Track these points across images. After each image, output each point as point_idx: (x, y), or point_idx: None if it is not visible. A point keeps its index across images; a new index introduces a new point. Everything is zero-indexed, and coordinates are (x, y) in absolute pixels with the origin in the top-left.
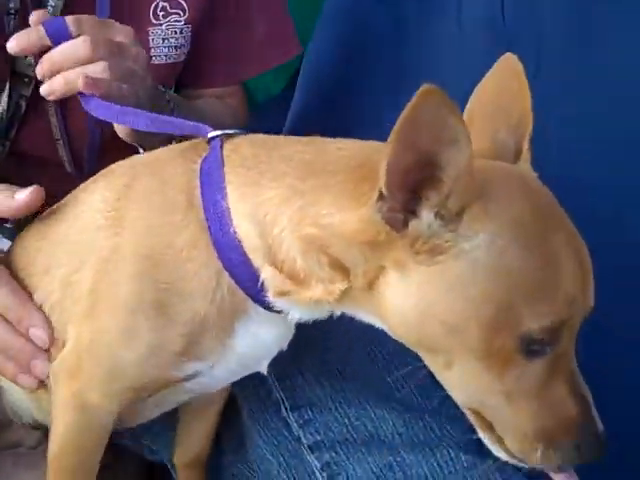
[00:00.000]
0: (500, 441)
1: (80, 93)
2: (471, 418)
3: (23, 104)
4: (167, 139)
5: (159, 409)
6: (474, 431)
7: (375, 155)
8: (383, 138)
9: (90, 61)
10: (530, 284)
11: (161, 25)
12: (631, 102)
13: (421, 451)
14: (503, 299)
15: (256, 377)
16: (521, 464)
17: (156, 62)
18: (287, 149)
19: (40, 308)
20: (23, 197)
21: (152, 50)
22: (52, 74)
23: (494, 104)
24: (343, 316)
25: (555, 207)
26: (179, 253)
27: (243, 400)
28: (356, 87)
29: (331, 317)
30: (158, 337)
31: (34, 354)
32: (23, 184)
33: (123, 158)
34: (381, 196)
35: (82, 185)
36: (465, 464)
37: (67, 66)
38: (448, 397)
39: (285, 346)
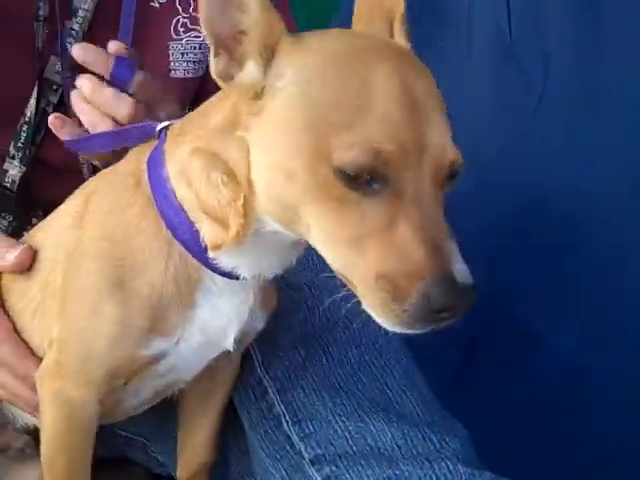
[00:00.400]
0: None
1: None
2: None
3: (50, 110)
4: None
5: (139, 399)
6: (473, 444)
7: None
8: None
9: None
10: (340, 114)
11: (181, 40)
12: (638, 114)
13: (420, 463)
14: (317, 130)
15: (258, 390)
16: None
17: (174, 76)
18: (203, 110)
19: (25, 314)
20: (12, 258)
21: (171, 64)
22: (90, 101)
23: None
24: (342, 330)
25: (394, 58)
26: (130, 228)
27: (245, 413)
28: None
29: (330, 333)
30: (123, 313)
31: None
32: (43, 190)
33: None
34: (216, 55)
35: None
36: (464, 476)
37: (104, 109)
38: (446, 409)
39: (245, 317)
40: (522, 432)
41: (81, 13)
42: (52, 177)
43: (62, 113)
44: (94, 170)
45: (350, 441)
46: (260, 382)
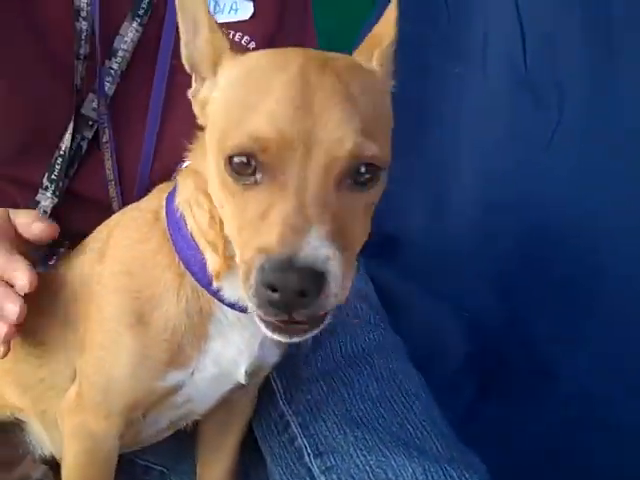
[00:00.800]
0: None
1: None
2: None
3: (84, 145)
4: None
5: (155, 429)
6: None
7: None
8: (406, 179)
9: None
10: (237, 112)
11: None
12: None
13: None
14: (222, 129)
15: (280, 423)
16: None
17: None
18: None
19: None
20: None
21: None
22: None
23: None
24: (363, 365)
25: (303, 66)
26: (147, 262)
27: (266, 446)
28: None
29: (352, 367)
30: (141, 345)
31: (7, 296)
32: (72, 221)
33: None
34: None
35: None
36: None
37: None
38: (467, 445)
39: (256, 350)
40: (538, 465)
41: (120, 53)
42: (82, 209)
43: (95, 148)
44: (124, 204)
45: (371, 475)
46: (282, 415)
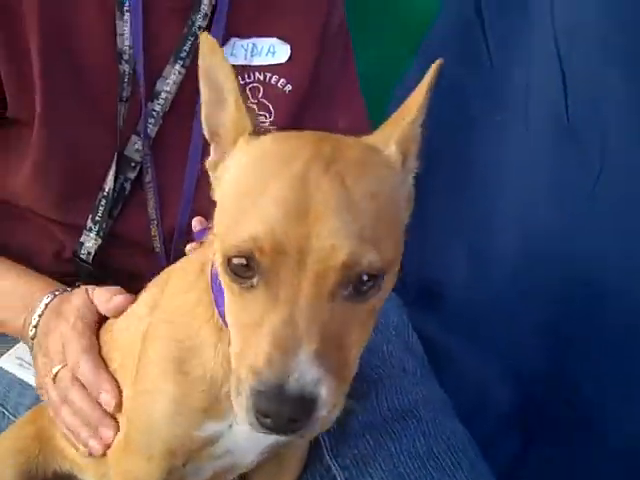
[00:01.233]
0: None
1: None
2: None
3: (127, 186)
4: None
5: (198, 479)
6: None
7: None
8: (450, 230)
9: None
10: (236, 212)
11: None
12: None
13: None
14: (225, 224)
15: (326, 477)
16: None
17: None
18: None
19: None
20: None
21: None
22: None
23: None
24: (410, 419)
25: (307, 162)
26: (188, 312)
27: None
28: (421, 185)
29: (398, 422)
30: (179, 392)
31: (101, 420)
32: (115, 261)
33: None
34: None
35: None
36: None
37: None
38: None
39: None
40: None
41: (163, 95)
42: (125, 249)
43: (138, 189)
44: (165, 244)
45: None
46: (329, 470)
